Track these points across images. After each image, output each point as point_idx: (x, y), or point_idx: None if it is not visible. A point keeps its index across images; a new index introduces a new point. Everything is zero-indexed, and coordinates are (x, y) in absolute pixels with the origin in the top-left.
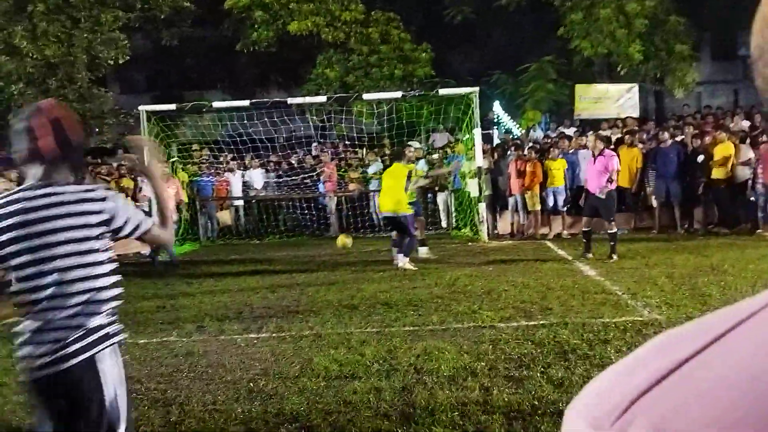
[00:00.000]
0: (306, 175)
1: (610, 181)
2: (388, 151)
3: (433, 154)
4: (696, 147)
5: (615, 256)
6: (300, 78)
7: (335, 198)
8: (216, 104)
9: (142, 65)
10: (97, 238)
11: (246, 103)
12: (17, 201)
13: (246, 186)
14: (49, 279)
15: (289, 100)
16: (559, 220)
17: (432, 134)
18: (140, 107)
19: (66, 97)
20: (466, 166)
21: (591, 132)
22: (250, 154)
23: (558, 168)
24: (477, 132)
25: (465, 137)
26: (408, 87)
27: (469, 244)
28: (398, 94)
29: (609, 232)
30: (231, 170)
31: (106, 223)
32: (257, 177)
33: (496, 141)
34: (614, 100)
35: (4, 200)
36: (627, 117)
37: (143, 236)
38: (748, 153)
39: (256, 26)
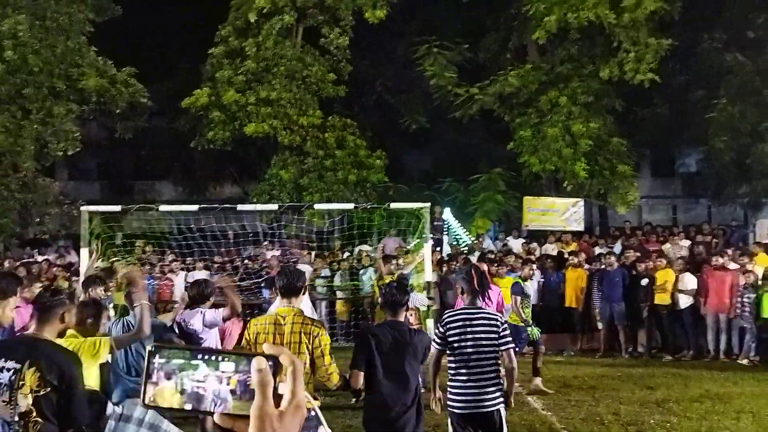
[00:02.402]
0: (251, 281)
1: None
2: (339, 257)
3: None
4: (640, 270)
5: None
6: (255, 174)
7: None
8: (162, 208)
9: (94, 153)
10: (497, 340)
11: (194, 208)
12: (462, 313)
13: None
14: (473, 357)
15: (239, 207)
16: None
17: (384, 239)
18: (82, 208)
19: (8, 186)
20: (415, 278)
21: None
22: (194, 253)
23: (506, 286)
24: (427, 247)
25: (415, 242)
26: (362, 191)
27: None
28: (350, 206)
29: None
30: (173, 271)
31: (500, 336)
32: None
33: (446, 247)
34: (561, 213)
35: (455, 312)
36: (569, 232)
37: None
38: (689, 283)
39: (212, 125)
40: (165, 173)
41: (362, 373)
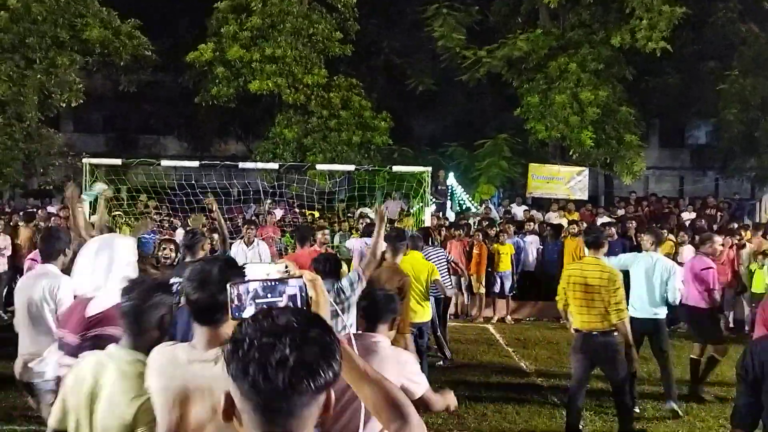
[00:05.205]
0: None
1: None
2: (341, 218)
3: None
4: (640, 242)
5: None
6: (259, 132)
7: None
8: (164, 163)
9: (99, 105)
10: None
11: (195, 164)
12: (432, 250)
13: None
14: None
15: (240, 165)
16: (503, 304)
17: (386, 201)
18: (84, 159)
19: (12, 136)
20: None
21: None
22: (195, 210)
23: (505, 252)
24: (428, 212)
25: (416, 207)
26: (366, 152)
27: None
28: (351, 167)
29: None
30: (174, 228)
31: (447, 261)
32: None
33: (450, 212)
34: (565, 181)
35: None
36: (573, 200)
37: None
38: (688, 255)
39: (217, 81)
40: (169, 128)
41: None
